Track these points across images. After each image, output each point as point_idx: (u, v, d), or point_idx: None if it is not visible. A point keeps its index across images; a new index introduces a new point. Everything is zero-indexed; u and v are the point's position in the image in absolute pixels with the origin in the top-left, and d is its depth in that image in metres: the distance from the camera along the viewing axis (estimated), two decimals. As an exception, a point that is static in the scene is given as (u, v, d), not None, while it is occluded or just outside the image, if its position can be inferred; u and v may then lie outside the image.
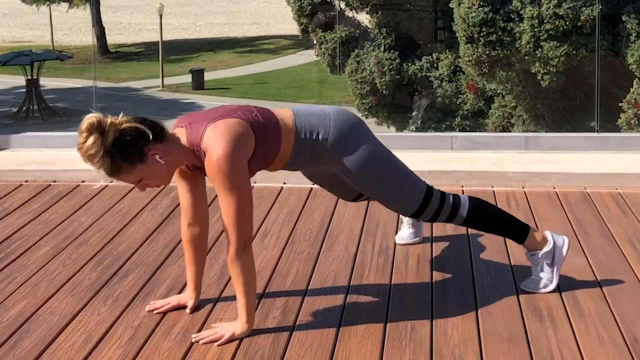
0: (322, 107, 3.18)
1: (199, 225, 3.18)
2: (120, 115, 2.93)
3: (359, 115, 3.22)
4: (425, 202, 3.19)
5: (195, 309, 3.22)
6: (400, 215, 3.78)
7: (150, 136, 2.90)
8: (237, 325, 3.01)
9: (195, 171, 3.09)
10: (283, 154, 3.07)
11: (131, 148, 2.88)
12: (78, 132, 2.89)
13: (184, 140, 2.97)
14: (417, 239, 3.85)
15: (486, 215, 3.32)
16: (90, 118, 2.86)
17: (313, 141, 3.07)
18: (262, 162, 3.05)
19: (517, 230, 3.32)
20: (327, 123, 3.09)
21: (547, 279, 3.32)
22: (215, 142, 2.89)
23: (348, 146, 3.10)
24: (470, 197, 3.30)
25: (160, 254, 3.80)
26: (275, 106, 3.23)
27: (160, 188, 4.39)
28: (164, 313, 3.20)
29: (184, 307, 3.23)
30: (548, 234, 3.36)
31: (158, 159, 2.92)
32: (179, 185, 3.17)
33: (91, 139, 2.84)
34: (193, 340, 2.99)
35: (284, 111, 3.11)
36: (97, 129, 2.84)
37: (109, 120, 2.87)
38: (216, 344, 2.96)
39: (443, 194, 3.24)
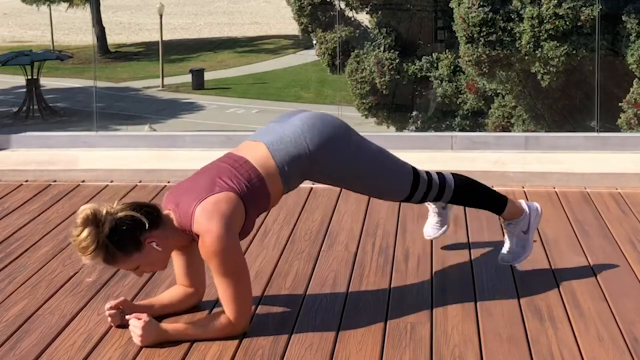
0: (294, 128, 3.08)
1: (194, 289, 3.19)
2: (115, 204, 2.91)
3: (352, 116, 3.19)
4: (414, 186, 3.23)
5: (195, 308, 3.21)
6: (428, 207, 3.70)
7: (147, 225, 2.88)
8: (161, 332, 2.95)
9: (190, 244, 3.07)
10: (275, 196, 3.08)
11: (128, 238, 2.86)
12: (73, 225, 2.87)
13: (176, 222, 2.96)
14: (445, 227, 3.72)
15: (470, 190, 3.40)
16: (85, 211, 2.83)
17: (297, 167, 3.07)
18: (258, 213, 3.05)
19: (497, 202, 3.41)
20: (305, 146, 3.06)
21: (523, 246, 3.44)
22: (205, 224, 2.87)
23: (329, 159, 3.10)
24: (453, 174, 3.35)
25: (160, 254, 3.79)
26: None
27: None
28: (165, 313, 3.19)
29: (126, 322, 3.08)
30: (523, 202, 3.46)
31: (155, 246, 2.91)
32: (173, 257, 3.15)
33: (85, 232, 2.81)
34: (126, 317, 2.99)
35: (259, 153, 3.04)
36: (93, 221, 2.82)
37: (104, 210, 2.85)
38: (134, 339, 2.94)
39: (429, 175, 3.28)
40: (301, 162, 3.06)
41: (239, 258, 2.94)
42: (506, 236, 3.49)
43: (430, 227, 3.73)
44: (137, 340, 2.93)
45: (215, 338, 2.95)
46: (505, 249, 3.48)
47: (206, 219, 2.88)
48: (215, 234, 2.86)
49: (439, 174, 3.31)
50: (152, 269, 3.02)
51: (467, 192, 3.38)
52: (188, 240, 3.01)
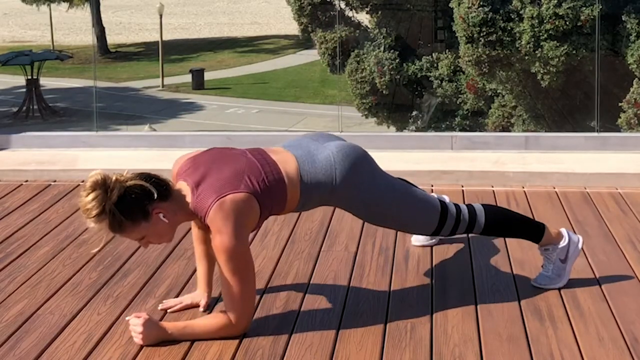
0: (328, 154, 3.09)
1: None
2: (126, 172, 2.90)
3: (363, 149, 3.13)
4: (442, 220, 3.19)
5: (195, 307, 3.22)
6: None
7: (155, 195, 2.88)
8: (161, 331, 2.96)
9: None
10: (289, 206, 3.08)
11: (135, 207, 2.86)
12: (82, 188, 2.87)
13: (189, 202, 2.94)
14: (434, 240, 3.76)
15: (503, 221, 3.34)
16: (95, 175, 2.83)
17: (320, 192, 3.07)
18: (269, 215, 3.05)
19: (534, 230, 3.34)
20: (333, 176, 3.06)
21: (559, 274, 3.34)
22: (219, 224, 2.87)
23: (357, 193, 3.10)
24: (484, 205, 3.30)
25: (160, 254, 3.79)
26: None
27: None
28: (165, 312, 3.20)
29: (197, 306, 3.22)
30: (563, 230, 3.38)
31: (162, 217, 2.91)
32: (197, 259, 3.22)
33: (92, 195, 2.82)
34: (127, 318, 3.01)
35: (289, 164, 3.05)
36: (102, 186, 2.82)
37: (114, 177, 2.85)
38: (134, 338, 2.95)
39: (457, 208, 3.23)
40: (325, 189, 3.07)
41: (247, 260, 2.94)
42: (544, 262, 3.38)
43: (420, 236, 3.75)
44: (137, 339, 2.93)
45: (215, 338, 2.95)
46: (541, 274, 3.38)
47: (221, 219, 2.87)
48: (227, 236, 2.86)
49: (470, 206, 3.26)
50: (159, 240, 2.99)
51: (499, 225, 3.32)
52: (196, 219, 3.01)
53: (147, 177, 2.91)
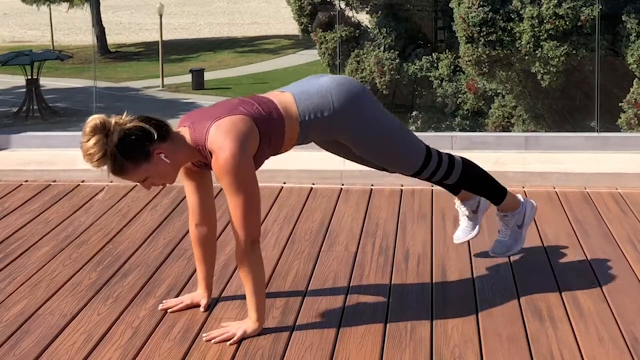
0: (321, 83, 3.14)
1: (206, 224, 3.19)
2: (124, 115, 2.92)
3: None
4: (426, 161, 3.27)
5: (196, 307, 3.22)
6: (459, 210, 3.69)
7: (155, 135, 2.89)
8: (248, 324, 3.01)
9: (201, 168, 3.09)
10: (290, 139, 3.08)
11: (136, 148, 2.87)
12: (82, 133, 2.88)
13: (188, 139, 2.97)
14: (475, 231, 3.69)
15: (475, 175, 3.44)
16: (94, 119, 2.85)
17: (318, 120, 3.08)
18: (269, 151, 3.05)
19: (497, 192, 3.47)
20: (330, 101, 3.09)
21: (515, 239, 3.52)
22: (220, 141, 2.89)
23: (352, 119, 3.12)
24: (462, 159, 3.38)
25: (160, 254, 3.80)
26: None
27: (159, 188, 4.40)
28: (165, 312, 3.20)
29: (197, 305, 3.23)
30: (520, 197, 3.53)
31: (163, 157, 2.92)
32: (185, 186, 3.17)
33: (93, 140, 2.84)
34: (205, 339, 2.99)
35: (284, 98, 3.09)
36: (102, 130, 2.84)
37: (113, 120, 2.87)
38: (228, 343, 2.96)
39: (440, 154, 3.31)
40: (323, 115, 3.08)
41: (251, 176, 2.94)
42: (501, 227, 3.55)
43: (461, 231, 3.71)
44: (231, 341, 2.97)
45: (254, 273, 2.95)
46: (498, 240, 3.55)
47: (221, 136, 2.89)
48: (229, 151, 2.87)
49: (451, 157, 3.35)
50: (162, 181, 3.00)
51: (472, 175, 3.41)
52: (198, 158, 3.00)
53: (145, 118, 2.93)
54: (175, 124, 3.07)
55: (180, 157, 2.98)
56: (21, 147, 5.56)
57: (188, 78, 20.06)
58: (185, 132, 2.98)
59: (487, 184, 3.46)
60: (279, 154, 3.14)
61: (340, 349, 2.91)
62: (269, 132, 3.00)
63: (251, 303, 3.01)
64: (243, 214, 2.92)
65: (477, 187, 3.47)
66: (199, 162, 3.05)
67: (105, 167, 2.89)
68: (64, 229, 4.17)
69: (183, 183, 3.16)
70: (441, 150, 3.36)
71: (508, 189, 3.50)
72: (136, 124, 2.88)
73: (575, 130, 11.96)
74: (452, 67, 13.95)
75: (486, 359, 2.84)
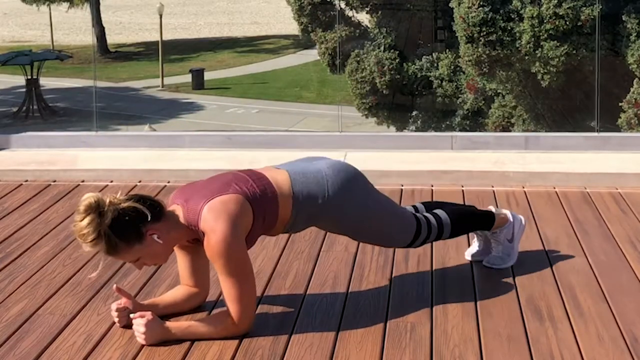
0: (319, 168, 3.14)
1: (198, 289, 3.19)
2: (119, 194, 2.91)
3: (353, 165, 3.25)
4: (416, 234, 3.33)
5: (196, 308, 3.21)
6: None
7: (149, 216, 2.89)
8: (165, 331, 2.95)
9: (195, 245, 3.09)
10: (282, 219, 3.08)
11: (129, 229, 2.87)
12: (76, 212, 2.88)
13: (182, 218, 2.96)
14: (485, 255, 3.63)
15: (465, 222, 3.49)
16: (89, 198, 2.85)
17: (311, 205, 3.09)
18: (262, 229, 3.06)
19: (487, 220, 3.51)
20: (325, 188, 3.10)
21: (508, 254, 3.54)
22: (212, 223, 2.88)
23: (345, 209, 3.15)
24: (447, 213, 3.41)
25: (160, 254, 3.79)
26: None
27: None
28: (167, 313, 3.19)
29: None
30: (508, 212, 3.56)
31: (156, 238, 2.92)
32: (178, 257, 3.18)
33: (87, 220, 2.83)
34: (131, 316, 2.99)
35: (279, 175, 3.09)
36: (95, 209, 2.83)
37: (107, 200, 2.86)
38: (137, 337, 2.94)
39: (428, 222, 3.35)
40: (316, 201, 3.09)
41: (244, 259, 2.95)
42: (492, 245, 3.56)
43: (475, 250, 3.65)
44: (140, 339, 2.93)
45: (218, 338, 2.95)
46: (491, 255, 3.57)
47: (213, 218, 2.89)
48: (222, 233, 2.87)
49: (436, 217, 3.38)
50: (154, 261, 3.01)
51: (463, 222, 3.47)
52: (191, 236, 3.01)
53: (140, 198, 2.93)
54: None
55: (173, 237, 2.98)
56: (21, 147, 5.56)
57: (188, 78, 20.07)
58: (178, 211, 2.98)
59: (476, 219, 3.51)
60: (269, 234, 3.15)
61: (340, 349, 2.91)
62: (262, 210, 3.00)
63: (193, 329, 2.95)
64: (237, 297, 2.92)
65: (470, 227, 3.53)
66: (193, 239, 3.05)
67: (98, 248, 2.86)
68: (64, 229, 4.17)
69: (176, 254, 3.16)
70: (429, 203, 3.49)
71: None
72: (130, 204, 2.88)
73: (575, 130, 11.97)
74: (452, 67, 13.95)
75: (486, 359, 2.84)
